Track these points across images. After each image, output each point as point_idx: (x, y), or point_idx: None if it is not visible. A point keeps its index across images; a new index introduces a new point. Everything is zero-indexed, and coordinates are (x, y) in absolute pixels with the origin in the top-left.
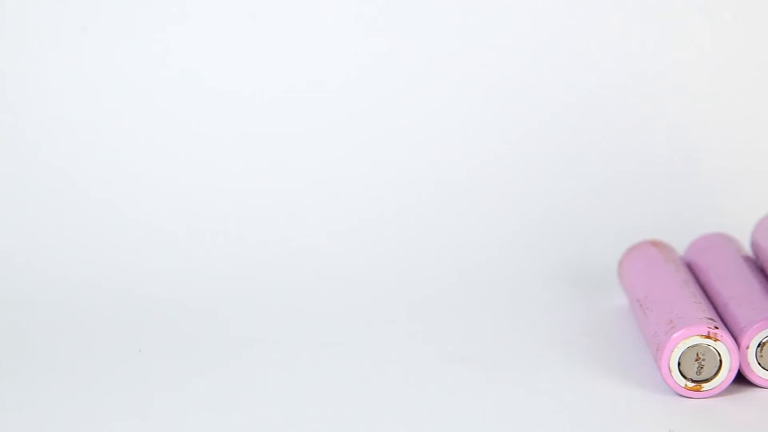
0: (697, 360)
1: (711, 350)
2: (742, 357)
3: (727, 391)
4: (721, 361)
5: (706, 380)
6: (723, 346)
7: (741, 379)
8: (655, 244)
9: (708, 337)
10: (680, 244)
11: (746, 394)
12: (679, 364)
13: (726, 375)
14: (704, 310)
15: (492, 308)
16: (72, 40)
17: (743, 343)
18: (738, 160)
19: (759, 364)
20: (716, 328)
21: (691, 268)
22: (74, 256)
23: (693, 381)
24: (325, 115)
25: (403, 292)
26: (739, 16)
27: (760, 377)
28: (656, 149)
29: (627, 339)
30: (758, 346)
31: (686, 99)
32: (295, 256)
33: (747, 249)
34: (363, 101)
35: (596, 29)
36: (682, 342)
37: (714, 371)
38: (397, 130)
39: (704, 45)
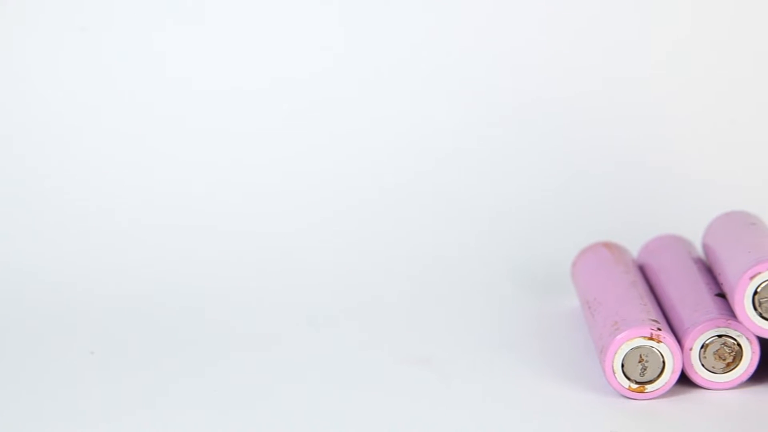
0: (640, 361)
1: (654, 352)
2: (686, 358)
3: (670, 393)
4: (664, 362)
5: (650, 381)
6: (666, 347)
7: (685, 381)
8: (607, 245)
9: (651, 338)
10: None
11: (690, 396)
12: (622, 365)
13: (669, 376)
14: (649, 312)
15: (446, 309)
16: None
17: (686, 344)
18: (698, 162)
19: (702, 365)
20: (659, 329)
21: (643, 270)
22: (48, 255)
23: (637, 382)
24: (280, 116)
25: (355, 292)
26: (690, 26)
27: (704, 378)
28: (627, 149)
29: (576, 340)
30: (701, 347)
31: (646, 104)
32: (251, 255)
33: (700, 250)
34: (321, 103)
35: (556, 35)
36: (626, 344)
37: (657, 373)
38: (355, 132)
39: (660, 52)
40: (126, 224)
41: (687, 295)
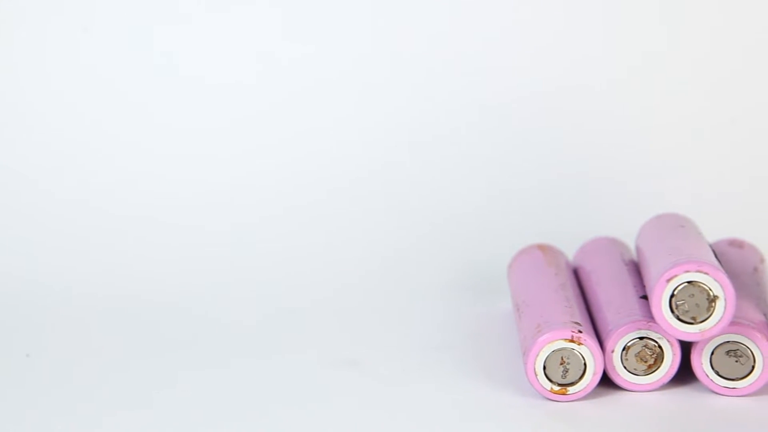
0: (562, 363)
1: (575, 354)
2: (608, 360)
3: (592, 394)
4: (585, 364)
5: (572, 383)
6: (587, 349)
7: (608, 382)
8: (542, 247)
9: (572, 341)
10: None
11: (612, 397)
12: (544, 367)
13: (590, 378)
14: (573, 314)
15: (383, 311)
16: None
17: (608, 346)
18: (644, 165)
19: (624, 367)
20: (580, 332)
21: (577, 272)
22: (33, 256)
23: (559, 384)
24: (247, 113)
25: (290, 296)
26: (632, 33)
27: (625, 380)
28: (573, 154)
29: (508, 342)
30: (623, 349)
31: (591, 109)
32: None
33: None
34: (291, 98)
35: (499, 41)
36: (547, 346)
37: (579, 375)
38: (307, 131)
39: (603, 59)
40: (111, 223)
41: (614, 297)
